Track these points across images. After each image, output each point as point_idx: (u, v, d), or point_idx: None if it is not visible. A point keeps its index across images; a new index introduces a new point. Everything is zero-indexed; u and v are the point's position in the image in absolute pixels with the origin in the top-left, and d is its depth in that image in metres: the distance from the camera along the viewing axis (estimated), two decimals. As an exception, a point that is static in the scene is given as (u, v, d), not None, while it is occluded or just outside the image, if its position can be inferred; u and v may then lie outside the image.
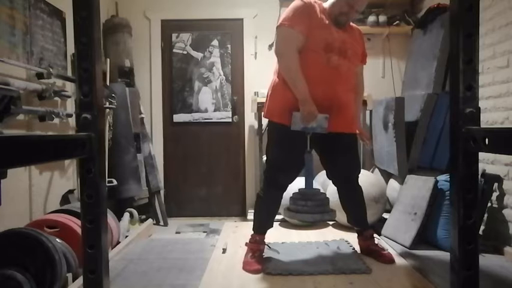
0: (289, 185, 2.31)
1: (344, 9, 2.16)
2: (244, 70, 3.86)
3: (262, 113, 2.38)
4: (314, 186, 2.31)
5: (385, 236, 2.82)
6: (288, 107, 2.15)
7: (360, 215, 2.46)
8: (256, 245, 2.32)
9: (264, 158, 3.42)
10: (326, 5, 2.24)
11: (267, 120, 2.32)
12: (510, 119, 2.53)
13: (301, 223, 3.12)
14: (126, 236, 2.88)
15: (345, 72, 2.19)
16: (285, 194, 2.32)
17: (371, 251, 2.40)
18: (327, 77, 2.14)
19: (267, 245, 2.45)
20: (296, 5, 2.15)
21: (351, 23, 2.33)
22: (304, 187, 2.27)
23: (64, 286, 1.91)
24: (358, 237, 2.49)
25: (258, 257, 2.27)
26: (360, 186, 2.41)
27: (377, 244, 2.44)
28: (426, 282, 2.02)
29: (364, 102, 3.40)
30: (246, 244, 2.35)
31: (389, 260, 2.30)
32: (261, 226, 2.35)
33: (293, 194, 2.28)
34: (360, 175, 2.41)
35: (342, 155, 2.30)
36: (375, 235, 2.53)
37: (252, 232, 2.36)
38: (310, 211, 2.15)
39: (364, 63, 2.45)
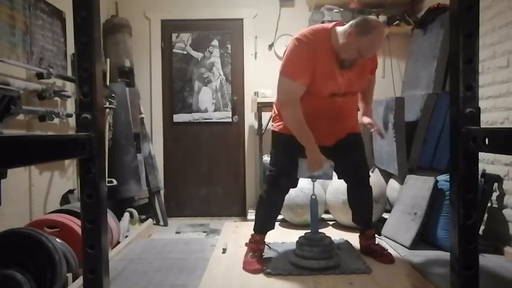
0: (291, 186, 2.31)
1: (352, 56, 2.06)
2: (244, 70, 3.86)
3: (271, 125, 2.37)
4: (315, 189, 2.32)
5: (385, 236, 2.82)
6: None
7: (366, 215, 2.47)
8: (256, 244, 2.32)
9: (264, 158, 3.43)
10: (335, 38, 2.07)
11: (272, 126, 2.33)
12: (510, 119, 2.53)
13: (301, 223, 3.12)
14: (126, 236, 2.88)
15: (348, 103, 2.24)
16: (288, 207, 2.33)
17: (371, 251, 2.40)
18: (331, 112, 2.18)
19: (267, 245, 2.45)
20: (300, 51, 2.04)
21: None
22: (309, 231, 2.29)
23: (64, 286, 1.91)
24: (360, 236, 2.49)
25: (258, 257, 2.27)
26: (370, 187, 2.41)
27: (378, 244, 2.44)
28: (426, 282, 2.02)
29: (364, 102, 3.40)
30: (246, 244, 2.35)
31: (390, 260, 2.30)
32: (262, 227, 2.35)
33: (299, 238, 2.29)
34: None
35: (349, 154, 2.30)
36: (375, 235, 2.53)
37: (253, 232, 2.36)
38: (316, 257, 2.17)
39: (372, 74, 2.40)
